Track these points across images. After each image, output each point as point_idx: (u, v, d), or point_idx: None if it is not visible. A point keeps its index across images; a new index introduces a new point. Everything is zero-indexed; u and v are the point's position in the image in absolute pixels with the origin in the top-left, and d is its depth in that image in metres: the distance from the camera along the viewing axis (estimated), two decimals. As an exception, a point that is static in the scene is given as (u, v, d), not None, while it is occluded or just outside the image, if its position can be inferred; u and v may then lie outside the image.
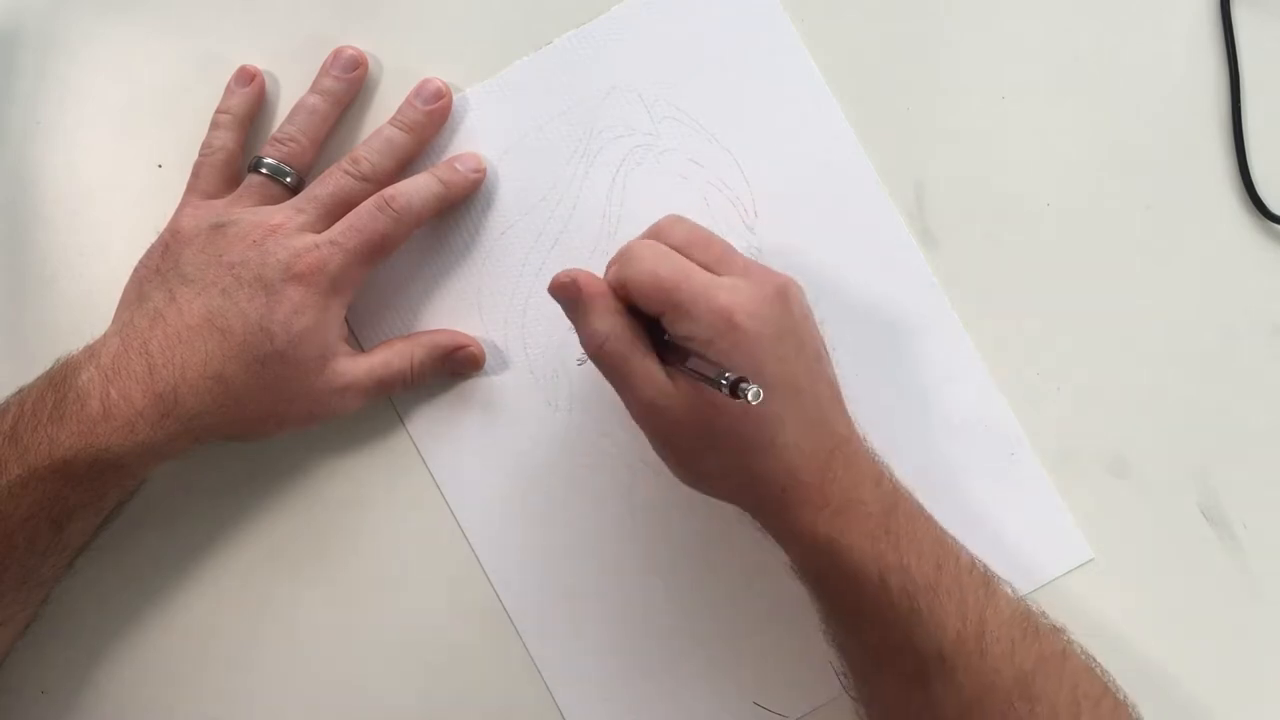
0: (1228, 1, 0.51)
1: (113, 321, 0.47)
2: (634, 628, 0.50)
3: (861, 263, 0.51)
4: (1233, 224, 0.51)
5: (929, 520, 0.44)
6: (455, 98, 0.51)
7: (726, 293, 0.42)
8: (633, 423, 0.45)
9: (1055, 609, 0.50)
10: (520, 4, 0.51)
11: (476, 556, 0.51)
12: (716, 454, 0.43)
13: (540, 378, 0.51)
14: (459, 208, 0.51)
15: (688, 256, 0.44)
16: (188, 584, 0.51)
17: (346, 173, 0.48)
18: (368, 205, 0.47)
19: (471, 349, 0.50)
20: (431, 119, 0.50)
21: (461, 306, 0.51)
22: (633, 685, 0.50)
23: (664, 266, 0.42)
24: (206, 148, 0.49)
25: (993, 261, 0.51)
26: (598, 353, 0.43)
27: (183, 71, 0.51)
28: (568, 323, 0.50)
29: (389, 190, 0.47)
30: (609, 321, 0.43)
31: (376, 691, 0.51)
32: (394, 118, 0.49)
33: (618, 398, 0.44)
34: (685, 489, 0.45)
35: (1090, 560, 0.50)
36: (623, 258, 0.44)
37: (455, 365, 0.50)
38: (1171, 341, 0.51)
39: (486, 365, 0.51)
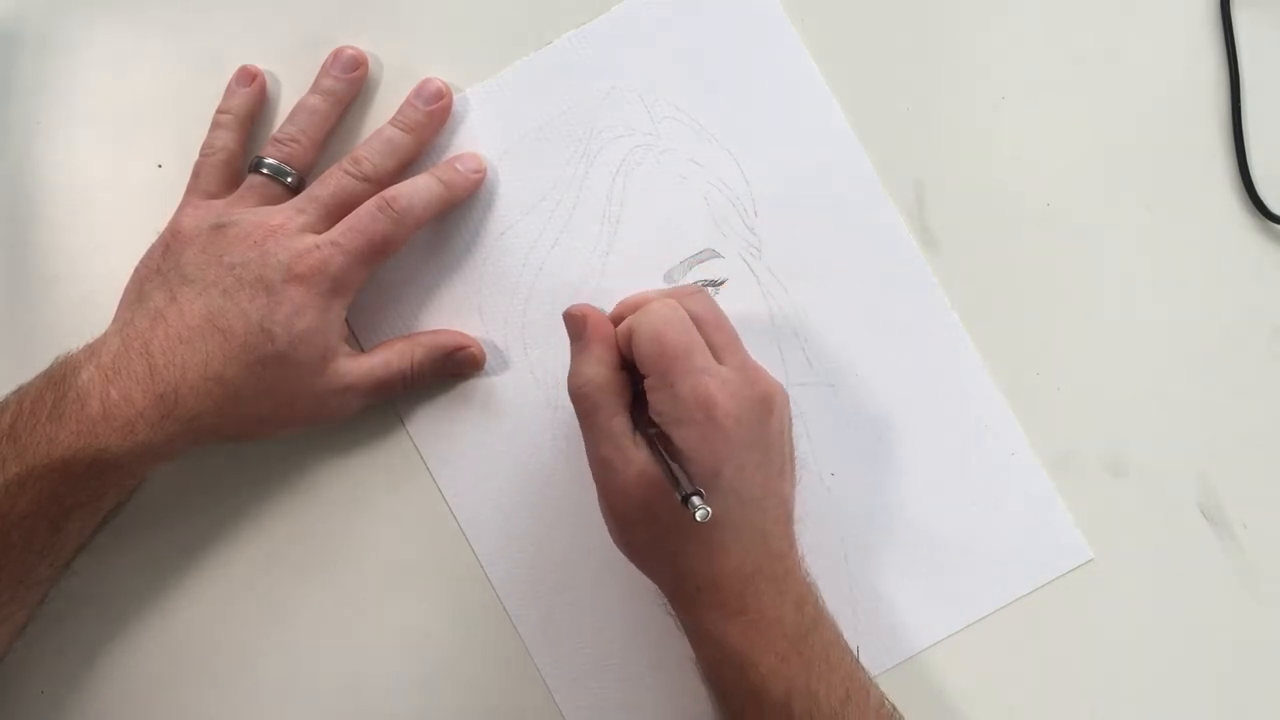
0: (1228, 1, 0.51)
1: (113, 321, 0.47)
2: (634, 628, 0.50)
3: (861, 262, 0.51)
4: (1233, 224, 0.51)
5: (845, 651, 0.44)
6: (455, 98, 0.51)
7: (717, 383, 0.42)
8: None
9: (1055, 609, 0.50)
10: (520, 4, 0.51)
11: (476, 556, 0.51)
12: (650, 531, 0.43)
13: (540, 378, 0.51)
14: (459, 208, 0.51)
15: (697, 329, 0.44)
16: (187, 584, 0.51)
17: (347, 173, 0.48)
18: (369, 206, 0.47)
19: (472, 349, 0.50)
20: (432, 119, 0.50)
21: (462, 307, 0.51)
22: (633, 685, 0.50)
23: (672, 331, 0.42)
24: (208, 148, 0.49)
25: (993, 261, 0.51)
26: (575, 394, 0.44)
27: (183, 71, 0.51)
28: (568, 324, 0.51)
29: (390, 191, 0.47)
30: (595, 370, 0.43)
31: (376, 691, 0.50)
32: (394, 118, 0.49)
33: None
34: None
35: (1090, 560, 0.50)
36: (638, 309, 0.44)
37: (455, 365, 0.50)
38: (1171, 341, 0.51)
39: (486, 365, 0.51)
